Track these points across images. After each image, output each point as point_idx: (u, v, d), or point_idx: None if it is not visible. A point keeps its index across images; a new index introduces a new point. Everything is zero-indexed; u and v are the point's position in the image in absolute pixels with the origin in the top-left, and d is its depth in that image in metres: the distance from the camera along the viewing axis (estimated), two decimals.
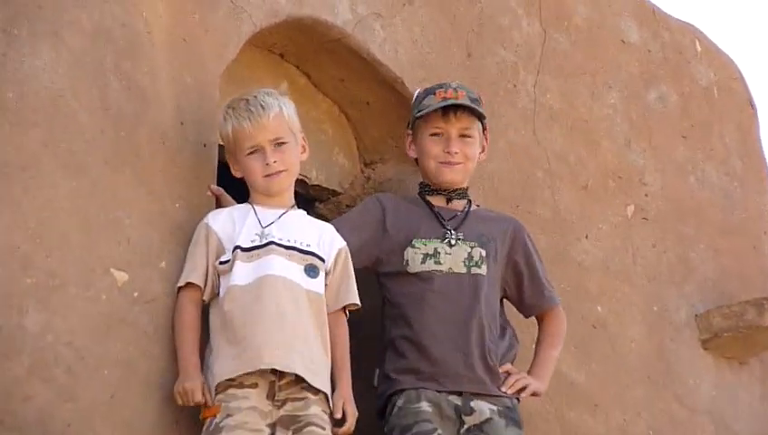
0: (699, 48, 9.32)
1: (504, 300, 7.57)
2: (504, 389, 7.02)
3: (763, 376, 8.85)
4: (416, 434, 6.85)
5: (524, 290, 7.45)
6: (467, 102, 7.12)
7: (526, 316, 7.57)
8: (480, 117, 7.28)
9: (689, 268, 8.51)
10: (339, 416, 6.33)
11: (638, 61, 8.77)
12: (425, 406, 6.97)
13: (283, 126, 6.46)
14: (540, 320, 7.50)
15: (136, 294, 6.16)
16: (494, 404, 7.01)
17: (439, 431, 6.86)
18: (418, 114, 7.21)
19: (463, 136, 7.21)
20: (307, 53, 7.66)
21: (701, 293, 8.52)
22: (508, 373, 7.10)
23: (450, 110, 7.08)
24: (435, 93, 7.22)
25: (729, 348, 8.46)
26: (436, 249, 7.21)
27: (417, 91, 7.39)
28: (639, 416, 8.02)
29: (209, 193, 6.62)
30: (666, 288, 8.27)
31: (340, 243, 6.64)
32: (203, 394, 6.09)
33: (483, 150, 7.39)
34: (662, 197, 8.62)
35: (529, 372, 7.20)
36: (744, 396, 8.86)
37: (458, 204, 7.35)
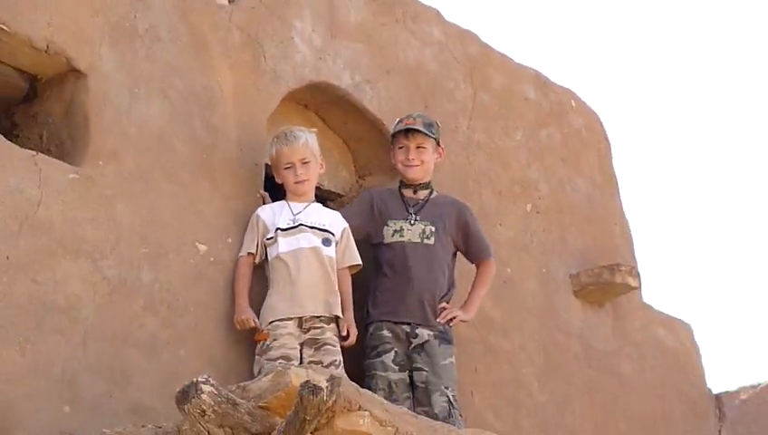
0: (573, 104, 9.49)
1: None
2: (438, 320, 7.17)
3: (613, 314, 9.08)
4: (379, 352, 7.08)
5: (470, 246, 7.48)
6: (420, 127, 7.22)
7: (471, 262, 7.56)
8: (435, 134, 7.54)
9: (566, 244, 8.69)
10: (344, 334, 6.56)
11: (535, 111, 8.95)
12: (386, 333, 7.17)
13: (308, 150, 6.61)
14: (478, 266, 7.49)
15: (212, 259, 6.42)
16: (432, 330, 7.16)
17: (395, 350, 7.08)
18: (392, 134, 7.41)
19: (419, 147, 7.26)
20: (322, 104, 7.73)
21: (574, 260, 8.73)
22: (443, 308, 7.22)
23: (409, 131, 7.25)
24: (402, 121, 7.34)
25: (591, 296, 8.63)
26: (401, 227, 7.27)
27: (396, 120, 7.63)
28: (534, 339, 8.16)
29: (258, 196, 6.81)
30: (551, 257, 8.42)
31: (344, 224, 6.82)
32: (253, 322, 6.31)
33: (440, 156, 7.49)
34: (549, 199, 8.84)
35: (463, 305, 7.31)
36: (601, 326, 8.95)
37: (422, 193, 7.41)
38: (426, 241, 6.95)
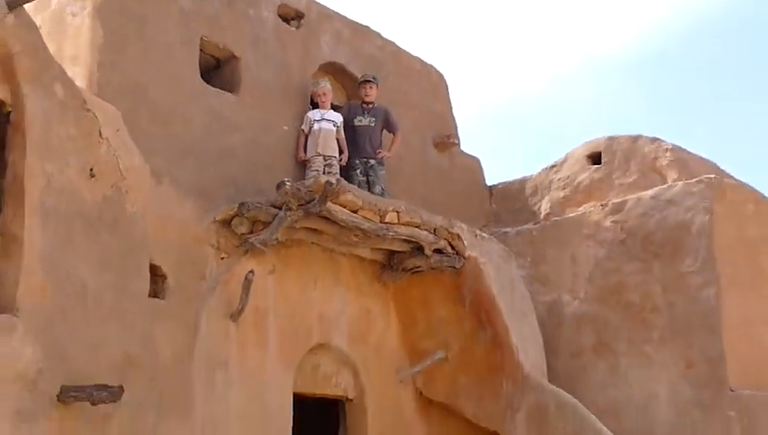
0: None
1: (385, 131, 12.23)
2: (377, 156, 11.87)
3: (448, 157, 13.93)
4: (354, 168, 11.58)
5: (389, 126, 12.09)
6: (371, 79, 11.90)
7: (390, 133, 12.24)
8: (377, 82, 11.95)
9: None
10: (344, 162, 11.44)
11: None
12: (357, 162, 11.69)
13: (327, 89, 11.63)
14: (393, 135, 12.26)
15: (285, 128, 11.31)
16: (374, 160, 11.84)
17: (360, 168, 11.72)
18: (359, 82, 12.03)
19: (370, 87, 11.96)
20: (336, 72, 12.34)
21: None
22: (380, 151, 11.89)
23: (366, 81, 11.90)
24: (363, 77, 11.99)
25: (439, 148, 13.50)
26: (361, 119, 12.00)
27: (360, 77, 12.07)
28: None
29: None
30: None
31: (340, 117, 11.37)
32: (303, 157, 11.00)
33: (377, 91, 11.96)
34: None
35: (387, 150, 12.14)
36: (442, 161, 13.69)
37: (370, 105, 12.03)
38: (371, 124, 12.00)
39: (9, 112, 8.78)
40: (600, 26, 35.70)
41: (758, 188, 12.47)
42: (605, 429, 10.78)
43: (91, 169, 9.05)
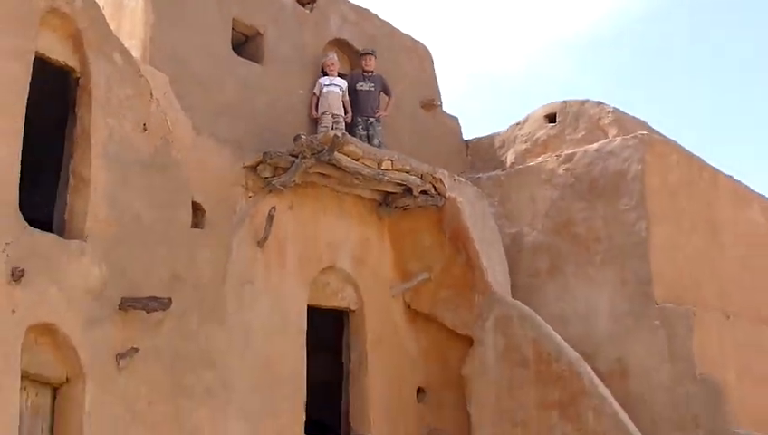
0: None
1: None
2: (376, 114, 11.67)
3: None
4: (357, 124, 11.40)
5: (385, 90, 11.83)
6: (370, 51, 11.76)
7: (386, 96, 11.93)
8: (375, 55, 11.69)
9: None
10: (349, 119, 11.29)
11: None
12: (359, 119, 11.53)
13: (335, 61, 11.34)
14: (388, 97, 11.95)
15: (301, 92, 11.23)
16: (373, 118, 11.65)
17: (361, 124, 11.51)
18: (360, 54, 11.77)
19: (369, 59, 11.74)
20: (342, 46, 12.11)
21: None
22: (377, 111, 11.68)
23: (366, 54, 11.68)
24: (363, 50, 11.78)
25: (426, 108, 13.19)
26: (362, 84, 11.78)
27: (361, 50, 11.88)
28: None
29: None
30: None
31: (345, 83, 11.21)
32: (315, 114, 10.91)
33: (374, 60, 11.67)
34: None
35: (383, 110, 11.88)
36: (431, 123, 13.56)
37: (369, 73, 11.80)
38: (370, 89, 11.82)
39: (78, 77, 8.89)
40: (568, 8, 35.73)
41: (680, 143, 12.48)
42: (555, 333, 10.88)
43: (144, 124, 9.18)
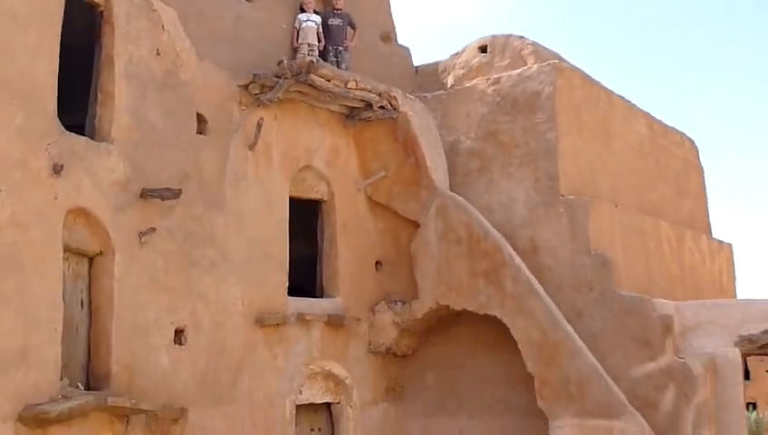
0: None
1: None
2: (344, 43, 11.27)
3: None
4: (326, 57, 10.93)
5: (351, 25, 11.36)
6: None
7: (352, 30, 11.43)
8: None
9: None
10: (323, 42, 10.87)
11: None
12: (330, 51, 11.05)
13: None
14: (353, 32, 11.43)
15: (284, 26, 10.87)
16: (341, 48, 11.12)
17: (332, 52, 11.14)
18: None
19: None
20: None
21: None
22: (345, 42, 11.26)
23: None
24: None
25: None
26: (333, 21, 11.29)
27: None
28: None
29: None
30: None
31: (319, 19, 10.74)
32: (296, 43, 10.54)
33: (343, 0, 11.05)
34: None
35: (350, 42, 11.44)
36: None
37: (338, 11, 11.34)
38: (339, 24, 11.40)
39: (102, 11, 8.74)
40: None
41: (585, 70, 12.29)
42: (483, 219, 11.01)
43: (157, 50, 9.11)
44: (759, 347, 10.19)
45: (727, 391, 9.80)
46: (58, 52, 7.92)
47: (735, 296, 13.88)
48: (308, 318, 10.35)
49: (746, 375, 27.78)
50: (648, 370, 9.84)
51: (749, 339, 9.98)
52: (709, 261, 13.37)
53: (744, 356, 10.39)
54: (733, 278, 14.15)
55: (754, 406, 26.40)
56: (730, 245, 14.32)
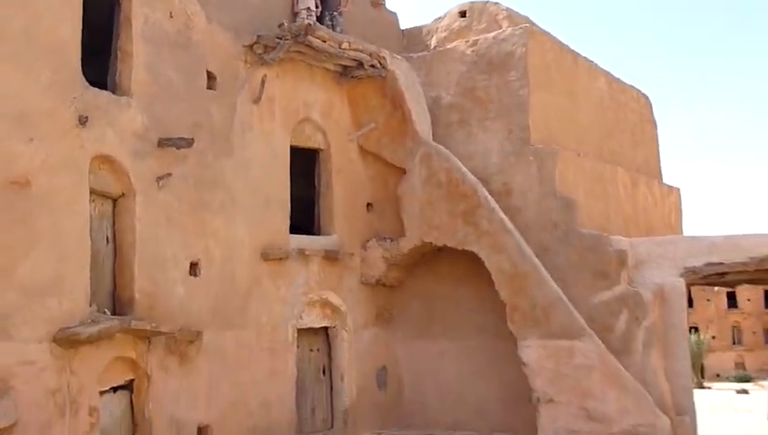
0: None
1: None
2: (338, 9, 10.83)
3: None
4: (323, 21, 10.48)
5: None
6: None
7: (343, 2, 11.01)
8: None
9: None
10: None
11: None
12: (326, 15, 10.67)
13: None
14: (344, 7, 10.97)
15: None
16: (336, 12, 10.82)
17: (328, 17, 10.69)
18: None
19: None
20: None
21: None
22: (339, 6, 10.84)
23: None
24: None
25: None
26: None
27: None
28: None
29: None
30: None
31: None
32: (295, 7, 10.04)
33: None
34: None
35: (345, 6, 11.00)
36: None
37: None
38: None
39: None
40: None
41: (554, 34, 12.04)
42: (462, 165, 10.95)
43: (171, 12, 9.05)
44: (701, 278, 10.27)
45: (673, 316, 9.88)
46: (81, 13, 7.79)
47: (682, 233, 13.91)
48: (307, 253, 10.39)
49: (690, 303, 28.06)
50: (605, 297, 9.92)
51: (693, 271, 10.08)
52: (660, 203, 13.32)
53: (689, 286, 10.37)
54: (680, 218, 14.16)
55: (696, 329, 26.65)
56: (678, 189, 14.29)
